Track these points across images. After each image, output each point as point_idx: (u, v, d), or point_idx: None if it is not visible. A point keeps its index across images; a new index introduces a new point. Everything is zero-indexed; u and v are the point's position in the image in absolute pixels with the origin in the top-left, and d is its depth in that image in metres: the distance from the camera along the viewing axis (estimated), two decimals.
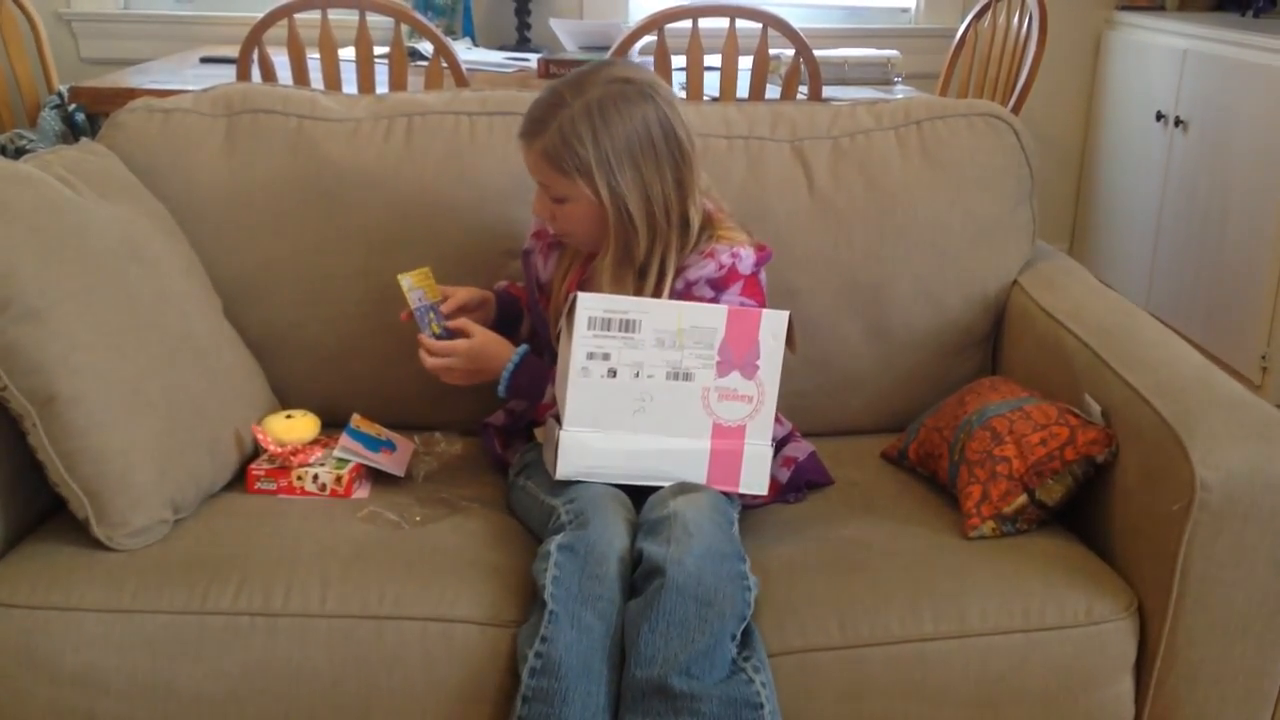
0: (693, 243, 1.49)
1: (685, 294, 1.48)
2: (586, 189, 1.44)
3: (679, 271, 1.48)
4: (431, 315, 1.54)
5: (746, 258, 1.50)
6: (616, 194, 1.44)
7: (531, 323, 1.67)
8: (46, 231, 1.39)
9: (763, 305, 1.51)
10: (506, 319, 1.65)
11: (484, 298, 1.62)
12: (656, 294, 1.46)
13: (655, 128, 1.44)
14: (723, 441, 1.41)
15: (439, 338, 1.53)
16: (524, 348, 1.53)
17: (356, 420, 1.61)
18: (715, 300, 1.48)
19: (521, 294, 1.67)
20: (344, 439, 1.57)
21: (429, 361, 1.52)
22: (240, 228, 1.71)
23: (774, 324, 1.40)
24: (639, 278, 1.48)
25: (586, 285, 1.52)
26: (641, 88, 1.45)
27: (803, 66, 2.57)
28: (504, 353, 1.52)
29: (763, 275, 1.54)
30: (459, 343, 1.52)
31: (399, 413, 1.67)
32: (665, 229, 1.46)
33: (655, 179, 1.45)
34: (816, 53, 2.59)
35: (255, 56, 2.48)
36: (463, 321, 1.54)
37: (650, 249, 1.46)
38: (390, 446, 1.61)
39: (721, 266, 1.48)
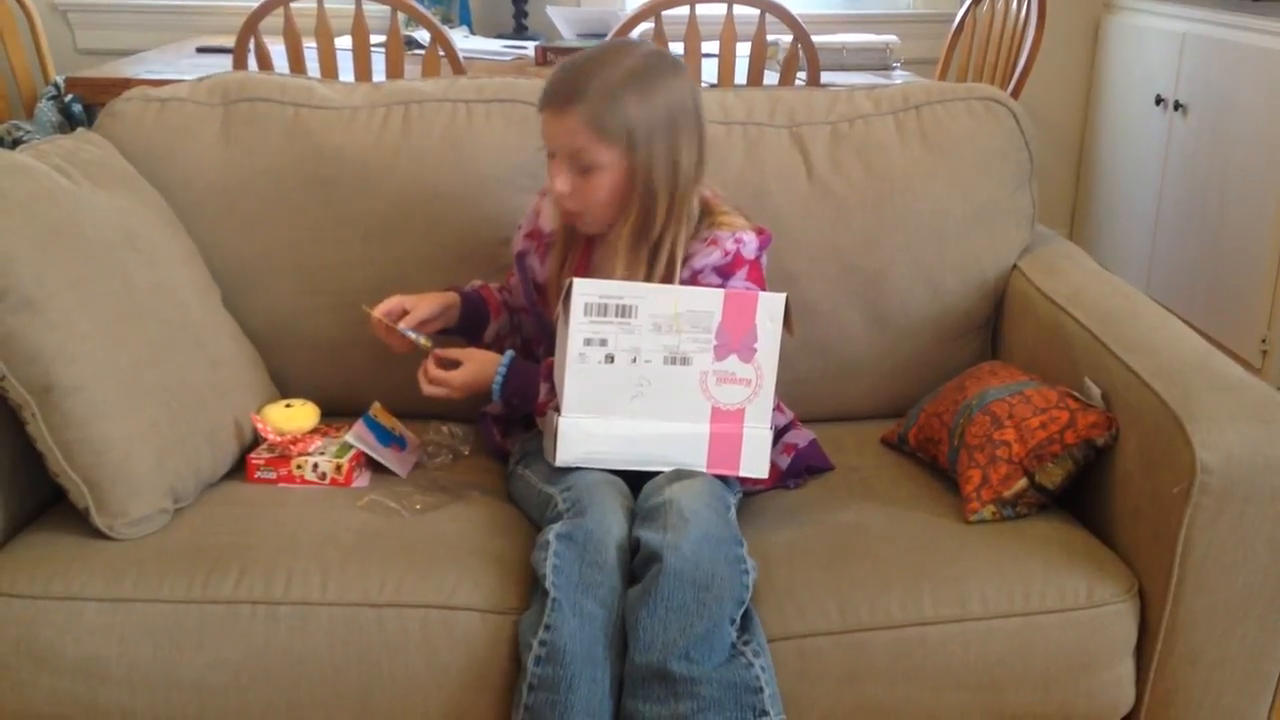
0: (694, 230, 1.49)
1: (692, 282, 1.48)
2: (621, 156, 1.42)
3: (684, 260, 1.48)
4: (410, 334, 1.52)
5: (750, 242, 1.50)
6: (649, 162, 1.43)
7: (519, 325, 1.66)
8: (43, 221, 1.39)
9: (763, 289, 1.51)
10: (471, 322, 1.62)
11: (446, 303, 1.58)
12: (667, 278, 1.45)
13: (689, 101, 1.46)
14: (722, 425, 1.41)
15: (428, 346, 1.52)
16: (510, 354, 1.51)
17: (375, 409, 1.61)
18: (722, 287, 1.48)
19: (493, 296, 1.65)
20: (358, 425, 1.57)
21: (428, 390, 1.51)
22: (238, 216, 1.71)
23: (771, 307, 1.39)
24: (651, 256, 1.47)
25: (598, 265, 1.51)
26: (675, 62, 1.47)
27: (801, 52, 2.56)
28: (495, 367, 1.51)
29: (764, 259, 1.54)
30: (454, 375, 1.50)
31: (397, 401, 1.66)
32: (679, 208, 1.46)
33: (684, 152, 1.45)
34: (815, 38, 2.59)
35: (252, 45, 2.48)
36: (452, 352, 1.52)
37: (665, 226, 1.46)
38: (401, 443, 1.60)
39: (727, 253, 1.48)
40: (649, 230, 1.46)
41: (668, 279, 1.46)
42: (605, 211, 1.47)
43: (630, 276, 1.47)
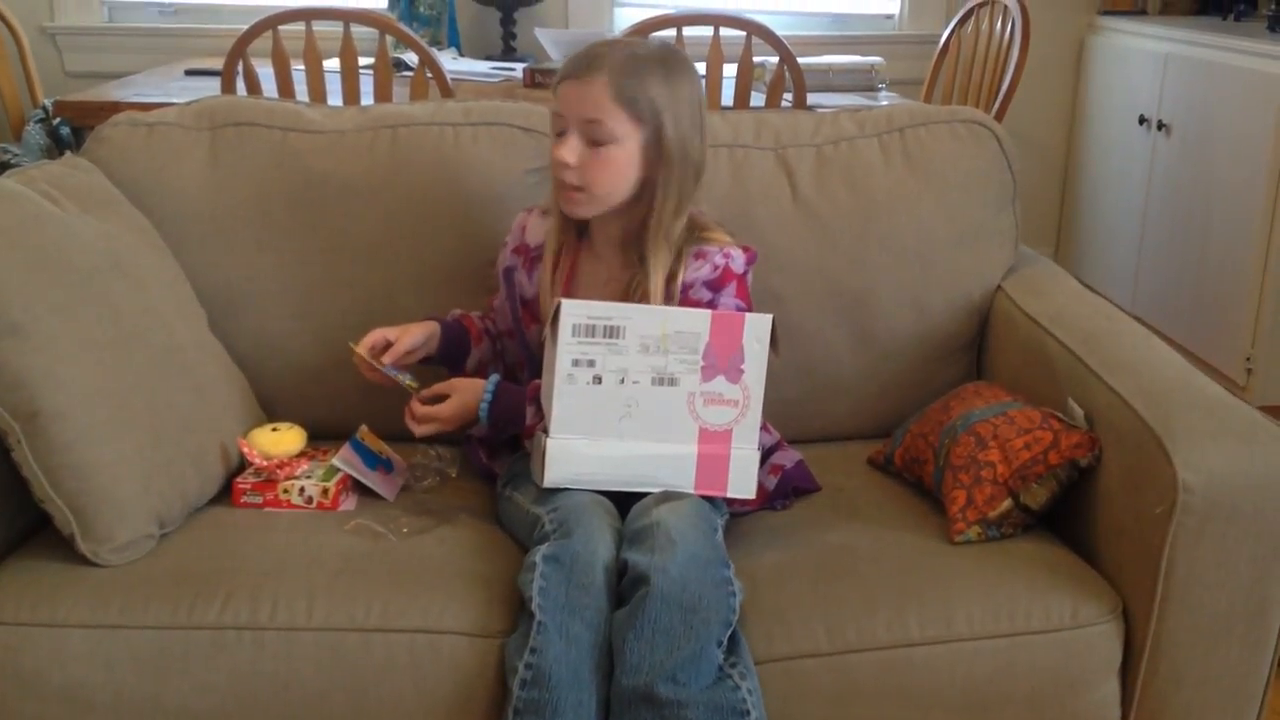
0: (682, 243, 1.50)
1: (683, 297, 1.48)
2: (638, 132, 1.43)
3: (672, 275, 1.48)
4: (395, 374, 1.52)
5: (738, 257, 1.51)
6: (664, 145, 1.44)
7: (501, 352, 1.66)
8: (30, 246, 1.39)
9: (751, 307, 1.52)
10: (452, 351, 1.61)
11: (427, 333, 1.57)
12: (655, 289, 1.46)
13: (701, 103, 1.50)
14: (709, 446, 1.41)
15: (414, 387, 1.52)
16: (495, 378, 1.51)
17: (362, 432, 1.60)
18: (713, 302, 1.49)
19: (474, 325, 1.64)
20: (345, 449, 1.57)
21: (418, 431, 1.51)
22: (225, 241, 1.71)
23: (758, 328, 1.40)
24: (640, 263, 1.48)
25: (585, 274, 1.52)
26: (692, 65, 1.51)
27: (787, 74, 2.58)
28: (481, 393, 1.50)
29: (749, 276, 1.55)
30: (441, 408, 1.50)
31: (384, 424, 1.66)
32: (683, 204, 1.48)
33: (693, 147, 1.47)
34: (801, 60, 2.60)
35: (240, 69, 2.49)
36: (437, 387, 1.52)
37: (659, 225, 1.46)
38: (388, 466, 1.60)
39: (716, 268, 1.49)
40: (644, 227, 1.47)
41: (656, 289, 1.46)
42: (610, 190, 1.46)
43: (617, 283, 1.48)
